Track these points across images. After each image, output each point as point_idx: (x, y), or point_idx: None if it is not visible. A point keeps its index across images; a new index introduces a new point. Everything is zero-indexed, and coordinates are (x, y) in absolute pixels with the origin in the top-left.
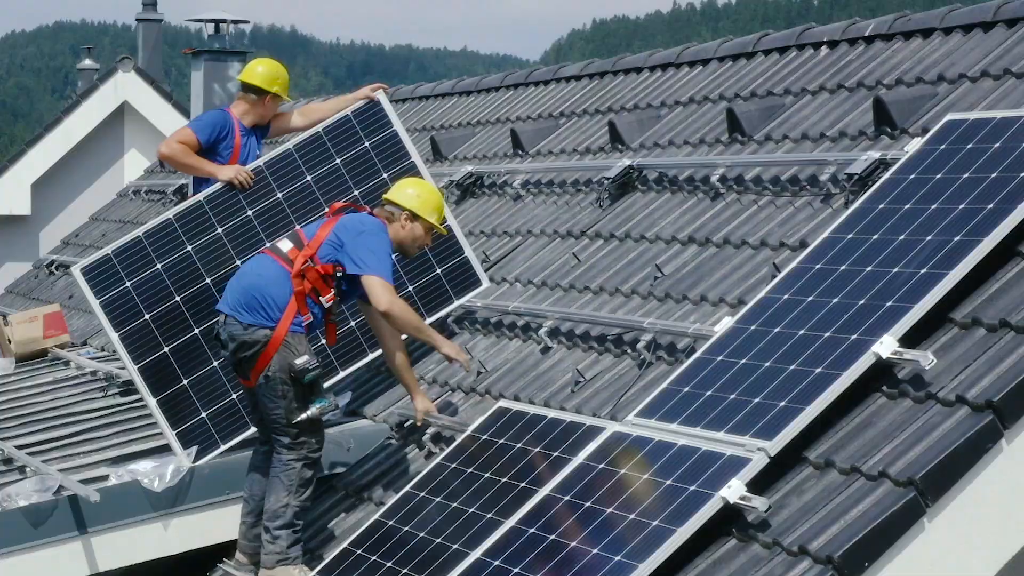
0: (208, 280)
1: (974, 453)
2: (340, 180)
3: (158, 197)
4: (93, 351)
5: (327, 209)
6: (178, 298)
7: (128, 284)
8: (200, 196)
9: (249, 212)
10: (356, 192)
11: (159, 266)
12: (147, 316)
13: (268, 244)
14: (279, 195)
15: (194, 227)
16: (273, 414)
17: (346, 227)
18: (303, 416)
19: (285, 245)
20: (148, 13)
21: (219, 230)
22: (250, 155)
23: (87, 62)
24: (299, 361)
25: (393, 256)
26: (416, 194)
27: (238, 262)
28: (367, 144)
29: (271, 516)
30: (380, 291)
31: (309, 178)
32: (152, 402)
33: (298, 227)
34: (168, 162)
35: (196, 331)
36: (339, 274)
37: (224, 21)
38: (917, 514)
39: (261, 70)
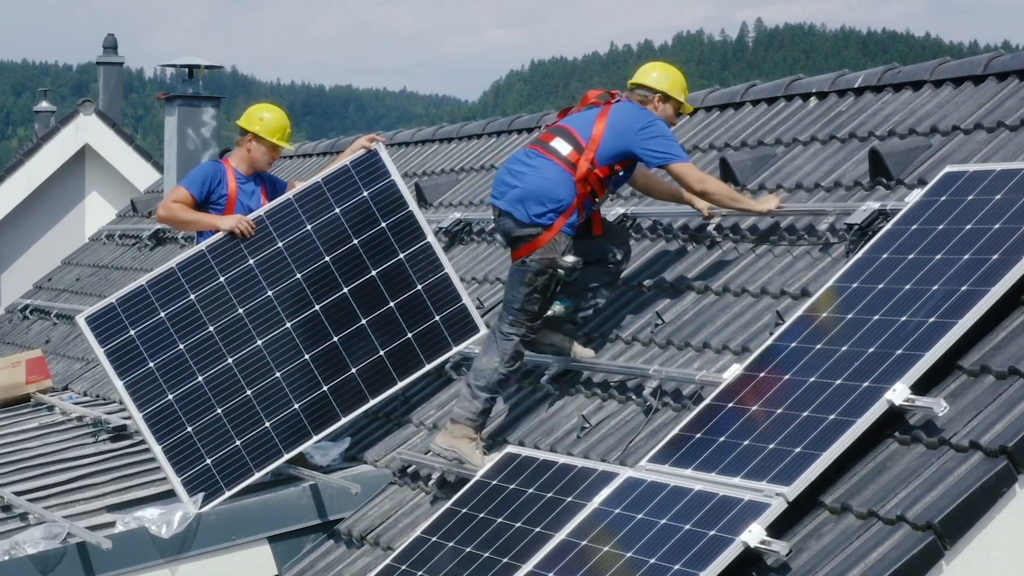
0: (211, 328)
1: (990, 497)
2: (340, 229)
3: (132, 242)
4: (75, 396)
5: (582, 99)
6: (182, 346)
7: (132, 332)
8: (202, 245)
9: (251, 261)
10: (355, 241)
11: (163, 314)
12: (151, 364)
13: (537, 141)
14: (280, 244)
15: (196, 276)
16: (511, 294)
17: (621, 124)
18: (549, 312)
19: (563, 147)
20: (109, 56)
21: (221, 279)
22: (251, 200)
23: (44, 104)
24: (570, 259)
25: None
26: (664, 76)
27: (240, 310)
28: (366, 194)
29: (478, 375)
30: (691, 174)
31: (309, 227)
32: (157, 449)
33: (563, 123)
34: (169, 223)
35: (200, 378)
36: (620, 173)
37: (197, 66)
38: (936, 557)
39: (247, 112)
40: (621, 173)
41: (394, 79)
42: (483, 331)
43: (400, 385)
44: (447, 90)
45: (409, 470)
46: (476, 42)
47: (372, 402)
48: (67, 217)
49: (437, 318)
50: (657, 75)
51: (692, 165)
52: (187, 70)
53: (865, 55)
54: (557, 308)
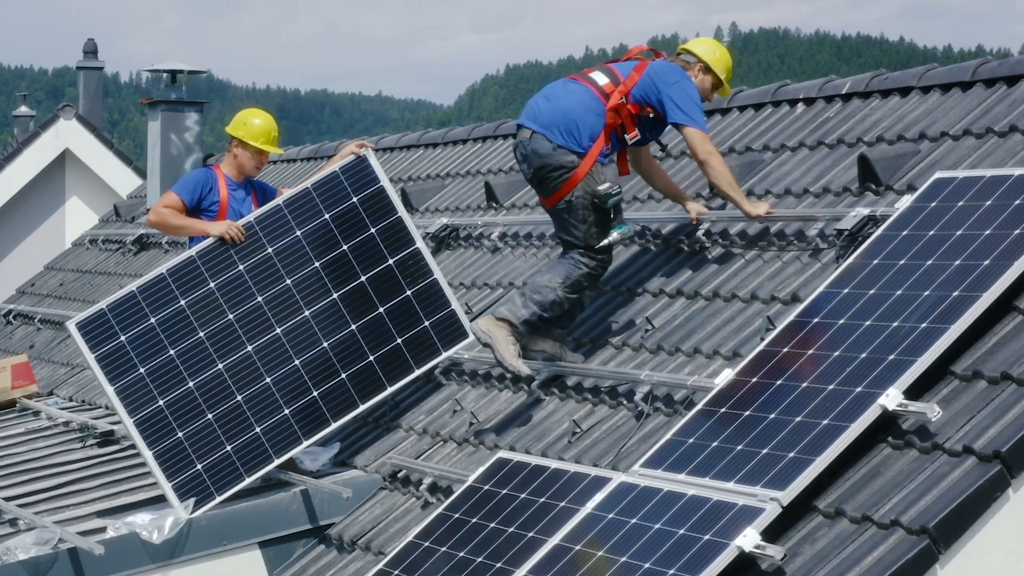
0: (201, 334)
1: (984, 502)
2: (329, 235)
3: (116, 247)
4: (61, 401)
5: (627, 52)
6: (172, 352)
7: (123, 338)
8: (192, 251)
9: (240, 267)
10: (345, 247)
11: (153, 320)
12: (142, 369)
13: (578, 73)
14: (270, 250)
15: (186, 282)
16: (572, 236)
17: (660, 73)
18: (605, 241)
19: (600, 78)
20: (89, 61)
21: (211, 284)
22: (243, 207)
23: (23, 109)
24: (602, 187)
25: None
26: (712, 50)
27: (231, 316)
28: (355, 200)
29: (535, 288)
30: (702, 142)
31: (299, 233)
32: (148, 454)
33: (608, 64)
34: (159, 228)
35: (191, 384)
36: (650, 115)
37: (181, 71)
38: (931, 561)
39: (235, 118)
40: (651, 116)
41: (370, 83)
42: (472, 336)
43: (390, 390)
44: (422, 94)
45: (400, 475)
46: (451, 47)
47: (362, 407)
48: (48, 222)
49: (426, 323)
50: (706, 48)
51: (707, 136)
52: (170, 75)
53: (839, 59)
54: (615, 235)
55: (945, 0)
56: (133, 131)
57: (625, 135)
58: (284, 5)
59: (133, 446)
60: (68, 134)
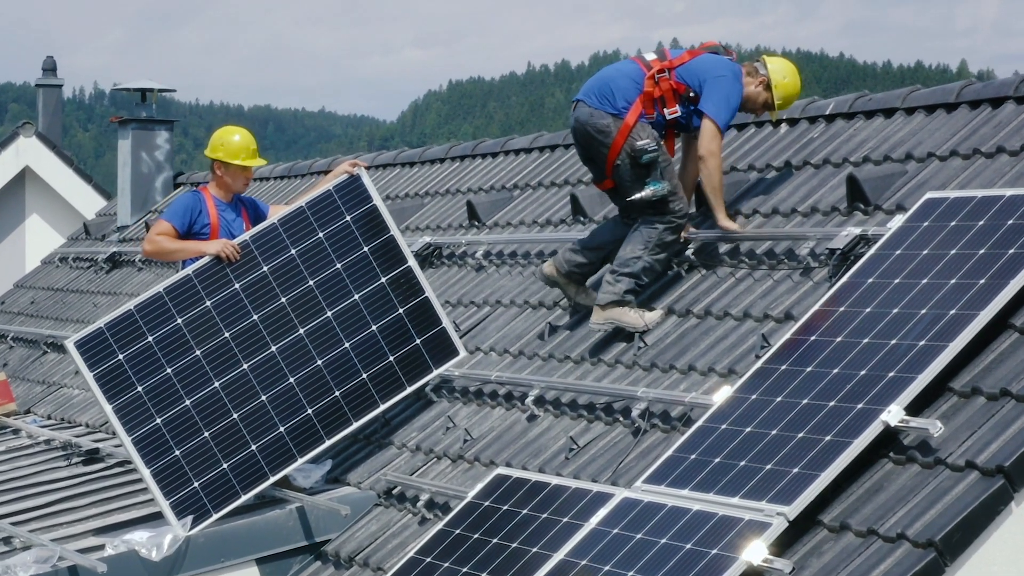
0: (198, 352)
1: (988, 515)
2: (323, 253)
3: (87, 264)
4: (39, 419)
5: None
6: (169, 370)
7: (121, 357)
8: (189, 270)
9: (236, 285)
10: (339, 265)
11: (150, 339)
12: (140, 388)
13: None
14: (265, 268)
15: (183, 300)
16: (641, 198)
17: (710, 62)
18: (637, 196)
19: (650, 55)
20: (48, 78)
21: (208, 303)
22: (234, 226)
23: None
24: (640, 143)
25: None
26: (783, 73)
27: (227, 334)
28: (348, 218)
29: (621, 263)
30: (710, 137)
31: (293, 251)
32: (146, 472)
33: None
34: (156, 257)
35: (187, 402)
36: (691, 94)
37: (151, 90)
38: (938, 574)
39: (211, 140)
40: (692, 94)
41: (312, 99)
42: (463, 353)
43: (382, 408)
44: (365, 110)
45: (395, 491)
46: (393, 62)
47: (355, 425)
48: (8, 239)
49: (418, 341)
50: (780, 68)
51: (720, 136)
52: (140, 93)
53: None
54: (646, 192)
55: (887, 17)
56: (76, 147)
57: (665, 109)
58: (227, 21)
59: (119, 464)
60: (28, 152)
